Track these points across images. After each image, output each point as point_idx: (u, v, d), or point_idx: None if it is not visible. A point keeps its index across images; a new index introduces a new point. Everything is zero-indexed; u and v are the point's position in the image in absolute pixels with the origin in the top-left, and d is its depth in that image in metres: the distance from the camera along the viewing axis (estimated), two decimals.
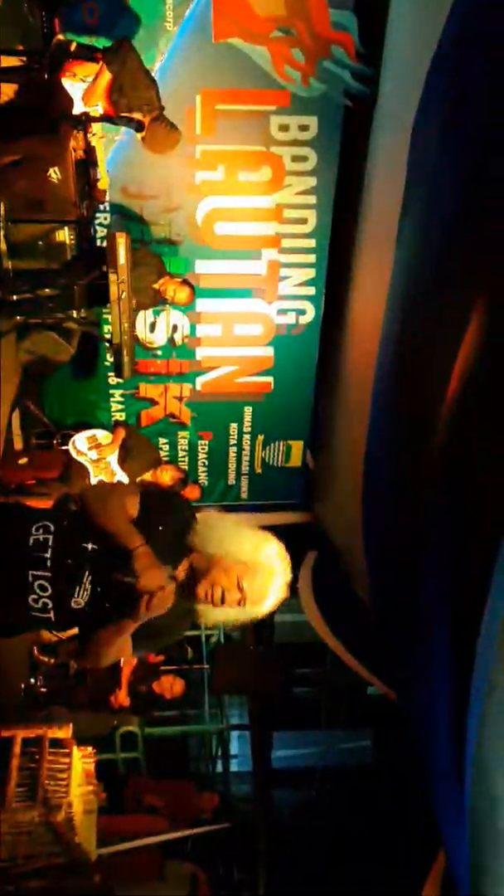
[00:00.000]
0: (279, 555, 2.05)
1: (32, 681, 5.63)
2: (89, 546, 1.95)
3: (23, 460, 5.37)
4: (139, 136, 4.19)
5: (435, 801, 4.09)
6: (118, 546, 1.90)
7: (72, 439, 5.30)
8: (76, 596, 1.92)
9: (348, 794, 8.49)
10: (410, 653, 4.53)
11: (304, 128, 5.39)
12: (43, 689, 5.66)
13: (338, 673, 8.21)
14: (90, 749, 4.63)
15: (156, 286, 5.11)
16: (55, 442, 5.64)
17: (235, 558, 1.98)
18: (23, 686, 5.58)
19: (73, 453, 5.25)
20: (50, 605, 1.92)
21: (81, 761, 4.56)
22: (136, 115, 4.06)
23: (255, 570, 1.97)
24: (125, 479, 5.37)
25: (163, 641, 2.10)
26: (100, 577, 1.93)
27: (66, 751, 4.36)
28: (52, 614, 1.94)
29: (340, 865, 7.23)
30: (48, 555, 1.93)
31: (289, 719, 8.66)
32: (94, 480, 5.24)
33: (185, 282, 5.26)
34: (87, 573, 1.93)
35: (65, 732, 4.30)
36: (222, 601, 1.93)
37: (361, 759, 8.92)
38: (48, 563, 1.93)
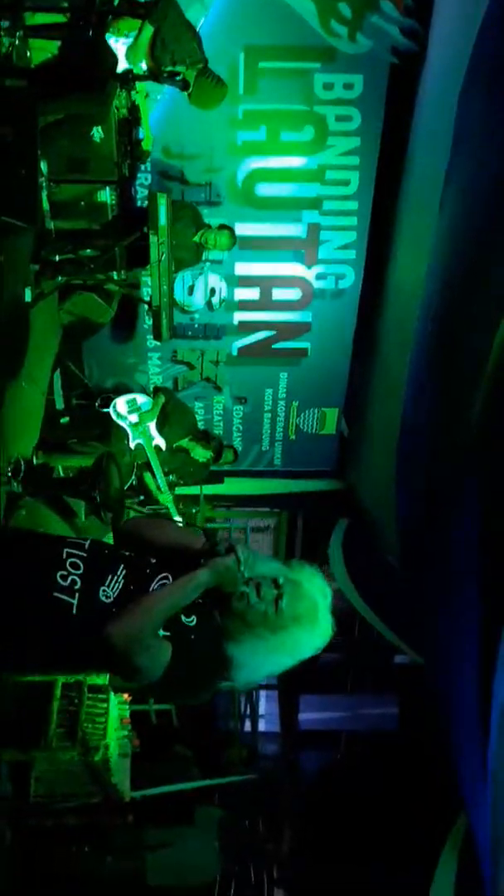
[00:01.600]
0: (318, 577, 1.90)
1: None
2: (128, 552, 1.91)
3: (64, 420, 5.46)
4: (186, 93, 4.14)
5: (458, 764, 4.15)
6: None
7: (112, 402, 5.35)
8: (107, 585, 1.77)
9: (372, 758, 8.63)
10: (439, 618, 4.56)
11: (348, 86, 5.28)
12: None
13: (366, 639, 8.31)
14: (126, 696, 4.80)
15: (196, 239, 5.09)
16: (96, 404, 5.70)
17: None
18: None
19: (114, 416, 5.31)
20: (78, 586, 1.75)
21: (118, 707, 4.74)
22: (181, 70, 4.02)
23: (292, 580, 1.85)
24: (163, 444, 5.43)
25: (192, 684, 1.86)
26: (136, 576, 1.82)
27: (104, 696, 4.53)
28: (75, 599, 1.74)
29: (361, 825, 7.38)
30: (87, 542, 1.87)
31: (316, 683, 8.81)
32: (132, 444, 5.31)
33: (223, 226, 5.14)
34: (122, 567, 1.82)
35: (103, 679, 4.46)
36: (258, 594, 1.78)
37: (387, 724, 9.04)
38: (86, 545, 1.86)
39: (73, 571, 1.77)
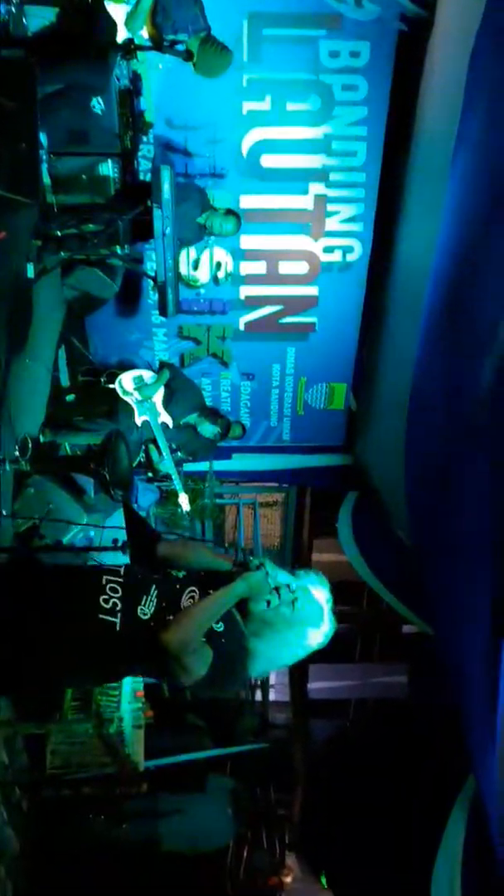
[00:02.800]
0: (324, 582, 2.26)
1: None
2: (158, 574, 2.20)
3: (70, 397, 5.45)
4: (191, 62, 4.06)
5: (467, 729, 4.19)
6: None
7: (118, 378, 5.34)
8: (143, 604, 2.08)
9: (381, 725, 8.74)
10: (448, 587, 4.58)
11: (355, 54, 5.15)
12: None
13: (374, 610, 8.38)
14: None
15: (200, 220, 5.04)
16: (102, 381, 5.68)
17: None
18: None
19: (120, 392, 5.30)
20: (119, 607, 2.06)
21: (131, 680, 4.84)
22: (183, 38, 3.93)
23: (303, 586, 2.20)
24: (170, 421, 5.42)
25: (226, 679, 2.19)
26: (166, 594, 2.11)
27: None
28: (118, 618, 2.05)
29: (371, 790, 7.50)
30: (122, 568, 2.17)
31: (325, 653, 8.89)
32: (139, 421, 5.30)
33: (230, 211, 5.15)
34: (154, 587, 2.12)
35: None
36: (279, 597, 2.14)
37: (395, 693, 9.14)
38: (121, 571, 2.15)
39: (112, 595, 2.08)
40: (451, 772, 4.76)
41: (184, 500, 5.61)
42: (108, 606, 2.06)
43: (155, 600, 2.09)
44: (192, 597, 2.12)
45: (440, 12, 4.88)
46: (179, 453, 5.78)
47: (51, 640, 2.05)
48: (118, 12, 3.90)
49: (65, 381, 5.82)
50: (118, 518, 4.99)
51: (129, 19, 3.88)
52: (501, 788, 3.59)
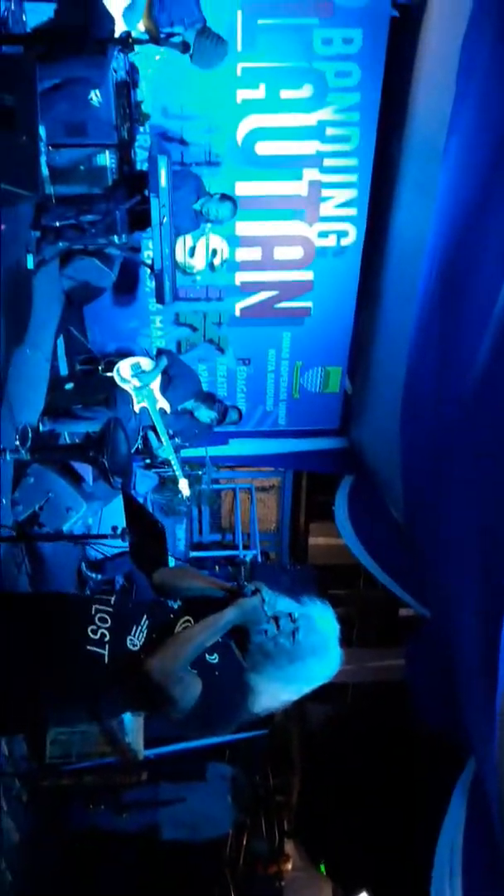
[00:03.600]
0: (329, 611, 2.10)
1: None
2: (150, 602, 2.11)
3: (68, 385, 5.49)
4: (188, 54, 4.09)
5: (466, 711, 4.27)
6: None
7: (116, 366, 5.39)
8: (132, 634, 1.98)
9: (379, 709, 8.82)
10: (444, 566, 4.66)
11: (348, 41, 5.18)
12: None
13: (371, 593, 8.45)
14: None
15: (196, 207, 5.07)
16: (100, 368, 5.73)
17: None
18: None
19: (118, 380, 5.35)
20: (107, 638, 1.96)
21: None
22: (179, 31, 3.96)
23: (306, 615, 2.05)
24: (167, 407, 5.48)
25: (219, 717, 2.03)
26: (158, 624, 2.01)
27: None
28: (106, 650, 1.95)
29: (370, 774, 7.57)
30: (112, 598, 2.08)
31: None
32: (137, 408, 5.36)
33: (225, 196, 5.15)
34: (145, 616, 2.02)
35: None
36: (278, 627, 1.99)
37: (393, 676, 9.22)
38: (111, 601, 2.06)
39: (101, 625, 1.98)
40: (451, 755, 4.80)
41: (184, 486, 5.68)
42: (95, 637, 1.96)
43: (145, 631, 1.99)
44: (187, 626, 2.00)
45: None
46: (177, 439, 5.84)
47: (36, 674, 1.94)
48: (115, 6, 3.92)
49: (63, 369, 5.87)
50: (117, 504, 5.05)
51: (126, 13, 3.91)
52: (502, 770, 3.64)
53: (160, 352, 5.75)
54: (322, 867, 8.02)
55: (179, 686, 1.87)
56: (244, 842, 7.07)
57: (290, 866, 7.39)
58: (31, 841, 4.99)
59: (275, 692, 2.00)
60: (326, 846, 7.96)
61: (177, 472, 5.68)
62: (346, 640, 2.14)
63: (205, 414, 5.80)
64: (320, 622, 2.05)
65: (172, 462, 5.61)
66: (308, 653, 1.99)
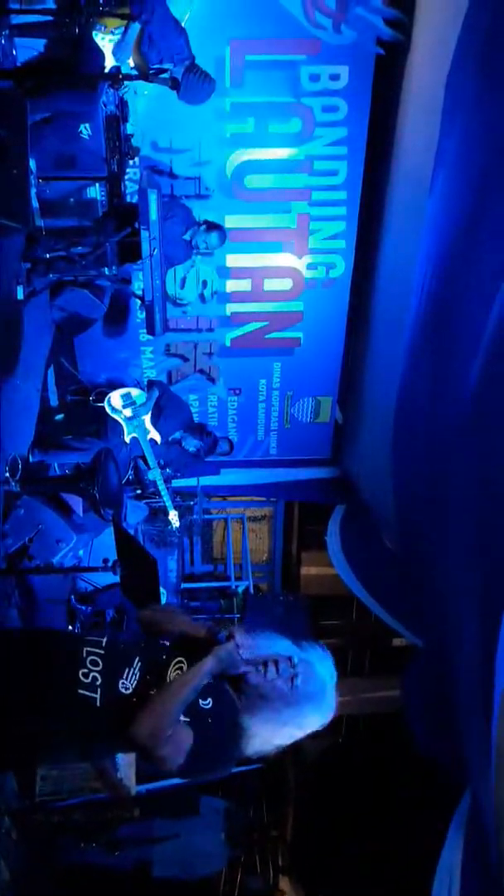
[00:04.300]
0: (328, 659, 2.08)
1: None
2: (142, 642, 2.08)
3: (59, 416, 5.47)
4: (176, 90, 4.15)
5: (462, 743, 4.21)
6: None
7: (107, 397, 5.38)
8: (125, 678, 1.95)
9: (373, 741, 8.70)
10: (439, 597, 4.62)
11: (334, 77, 5.29)
12: None
13: (364, 623, 8.38)
14: None
15: (186, 237, 5.11)
16: (90, 399, 5.72)
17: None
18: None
19: (109, 411, 5.34)
20: (99, 682, 1.93)
21: None
22: (168, 67, 4.02)
23: (305, 660, 2.02)
24: (158, 438, 5.46)
25: (214, 761, 2.00)
26: (151, 665, 1.98)
27: None
28: (98, 693, 1.92)
29: (366, 808, 7.45)
30: (104, 639, 2.03)
31: None
32: (128, 438, 5.34)
33: (212, 225, 5.15)
34: (137, 658, 1.99)
35: None
36: (277, 671, 1.96)
37: (387, 707, 9.12)
38: (103, 643, 2.01)
39: (93, 669, 1.95)
40: (447, 787, 4.74)
41: (174, 517, 5.65)
42: (87, 681, 1.93)
43: (138, 673, 1.96)
44: (181, 667, 1.97)
45: (417, 33, 5.01)
46: (168, 469, 5.82)
47: (27, 717, 1.91)
48: (105, 42, 3.99)
49: (54, 400, 5.85)
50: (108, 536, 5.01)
51: (117, 49, 3.97)
52: (499, 801, 3.59)
53: (151, 383, 5.75)
54: None
55: (168, 747, 1.85)
56: (238, 878, 6.91)
57: None
58: (21, 879, 4.89)
59: (268, 736, 1.97)
60: (322, 882, 7.79)
61: (167, 503, 5.64)
62: (340, 670, 2.11)
63: (191, 443, 5.79)
64: (320, 669, 2.02)
65: (162, 492, 5.58)
66: (305, 699, 1.97)
